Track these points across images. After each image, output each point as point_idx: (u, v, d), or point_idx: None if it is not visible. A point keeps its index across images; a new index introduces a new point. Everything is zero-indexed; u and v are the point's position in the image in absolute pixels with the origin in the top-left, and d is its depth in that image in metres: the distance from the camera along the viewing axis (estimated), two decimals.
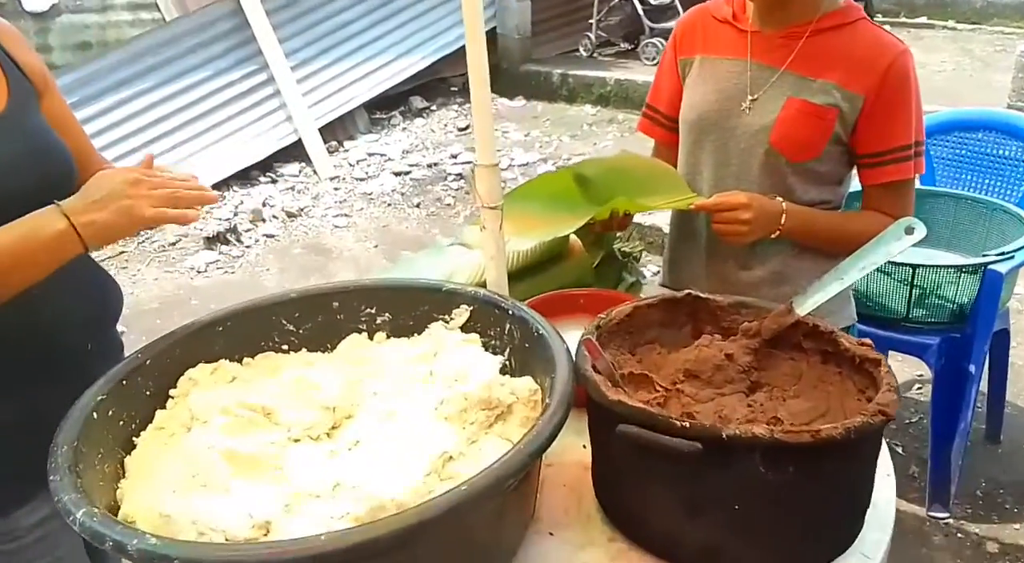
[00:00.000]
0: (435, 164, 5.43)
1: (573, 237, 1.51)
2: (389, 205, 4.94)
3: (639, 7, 6.63)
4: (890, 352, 2.28)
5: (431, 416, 0.94)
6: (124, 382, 1.00)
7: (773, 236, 1.37)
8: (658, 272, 1.98)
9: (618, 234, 1.58)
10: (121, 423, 0.98)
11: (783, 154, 1.37)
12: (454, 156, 5.52)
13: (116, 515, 0.87)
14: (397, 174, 5.27)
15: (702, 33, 1.47)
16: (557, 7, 7.24)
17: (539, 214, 1.33)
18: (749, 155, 1.40)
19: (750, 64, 1.39)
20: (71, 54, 4.74)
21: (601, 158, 1.57)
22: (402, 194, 5.06)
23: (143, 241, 4.32)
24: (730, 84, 1.41)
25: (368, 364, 1.11)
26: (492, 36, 6.76)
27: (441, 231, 4.64)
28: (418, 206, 4.92)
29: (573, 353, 0.96)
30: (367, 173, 5.30)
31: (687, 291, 1.10)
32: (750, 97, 1.39)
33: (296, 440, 0.95)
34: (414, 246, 4.43)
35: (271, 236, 4.46)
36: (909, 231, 1.04)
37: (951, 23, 7.48)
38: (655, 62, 6.65)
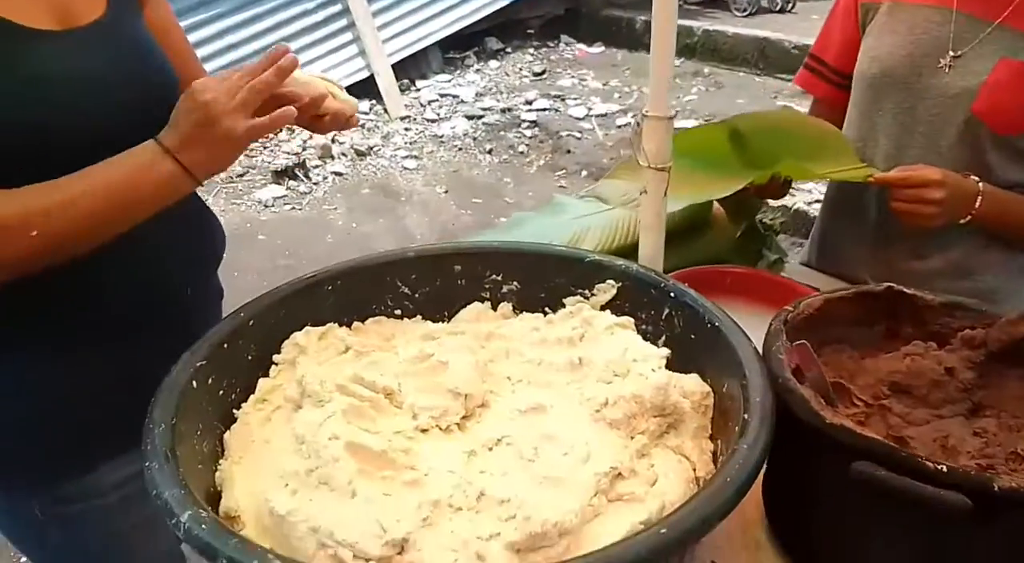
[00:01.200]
0: (509, 109, 5.21)
1: (716, 204, 1.32)
2: (460, 149, 4.75)
3: None
4: None
5: (588, 417, 0.79)
6: (225, 345, 0.86)
7: (962, 222, 1.16)
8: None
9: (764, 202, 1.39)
10: (221, 393, 0.85)
11: (987, 125, 1.15)
12: (529, 102, 5.30)
13: (215, 503, 0.75)
14: (470, 118, 5.07)
15: None
16: None
17: (688, 173, 1.15)
18: (943, 123, 1.18)
19: (956, 14, 1.17)
20: None
21: (759, 113, 1.36)
22: (474, 139, 4.87)
23: None
24: (927, 36, 1.19)
25: (496, 341, 0.95)
26: None
27: (513, 180, 4.46)
28: (490, 152, 4.73)
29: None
30: (439, 115, 5.11)
31: (887, 284, 0.91)
32: (951, 53, 1.17)
33: (424, 430, 0.80)
34: (485, 194, 4.27)
35: (339, 174, 4.33)
36: None
37: None
38: (746, 13, 6.28)
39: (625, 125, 4.97)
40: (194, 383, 0.80)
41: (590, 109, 5.18)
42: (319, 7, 4.98)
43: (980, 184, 1.15)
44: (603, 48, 6.37)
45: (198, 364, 0.82)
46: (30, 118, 0.85)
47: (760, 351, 0.80)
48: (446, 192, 4.27)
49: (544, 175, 4.52)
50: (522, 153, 4.73)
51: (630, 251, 1.18)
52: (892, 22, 1.23)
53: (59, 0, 0.92)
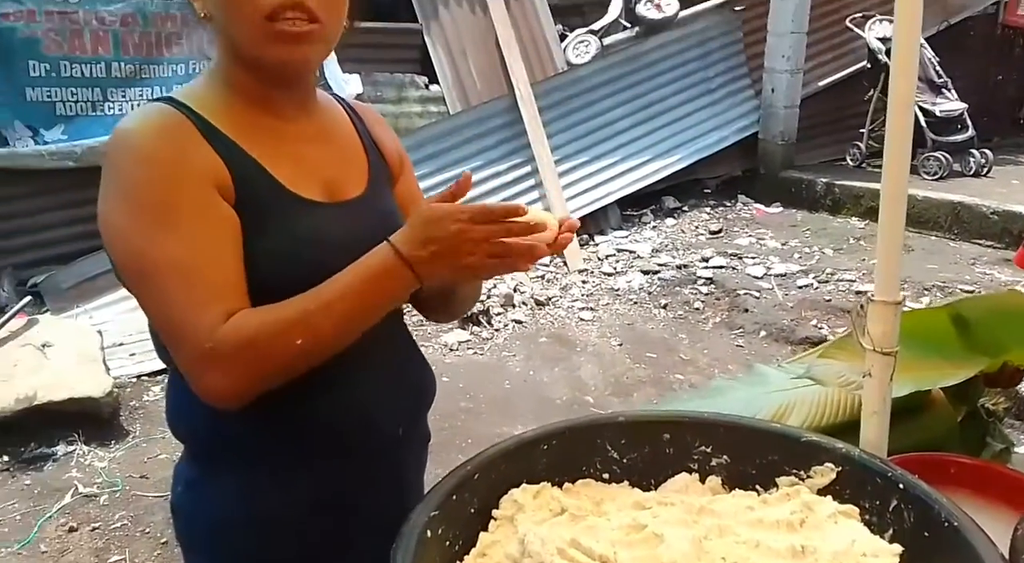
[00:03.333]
0: (684, 266, 5.27)
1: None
2: (635, 303, 4.83)
3: (922, 118, 6.14)
4: None
5: None
6: (453, 496, 0.92)
7: None
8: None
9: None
10: (447, 543, 0.90)
11: None
12: (705, 259, 5.33)
13: None
14: (645, 273, 5.17)
15: None
16: (824, 114, 6.92)
17: (912, 357, 1.12)
18: None
19: None
20: None
21: (982, 296, 1.33)
22: (649, 293, 4.94)
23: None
24: None
25: (708, 516, 0.95)
26: (753, 141, 6.58)
27: (688, 336, 4.44)
28: (665, 307, 4.77)
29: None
30: (615, 269, 5.26)
31: None
32: None
33: None
34: (659, 348, 4.27)
35: (519, 322, 4.51)
36: None
37: None
38: (936, 177, 6.11)
39: (806, 286, 4.86)
40: (428, 532, 0.86)
41: (769, 268, 5.13)
42: (511, 168, 5.42)
43: None
44: (781, 208, 6.37)
45: (432, 514, 0.88)
46: (297, 273, 0.99)
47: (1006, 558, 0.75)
48: (620, 345, 4.32)
49: (720, 333, 4.47)
50: (697, 309, 4.73)
51: (840, 431, 1.15)
52: None
53: (330, 178, 1.10)
